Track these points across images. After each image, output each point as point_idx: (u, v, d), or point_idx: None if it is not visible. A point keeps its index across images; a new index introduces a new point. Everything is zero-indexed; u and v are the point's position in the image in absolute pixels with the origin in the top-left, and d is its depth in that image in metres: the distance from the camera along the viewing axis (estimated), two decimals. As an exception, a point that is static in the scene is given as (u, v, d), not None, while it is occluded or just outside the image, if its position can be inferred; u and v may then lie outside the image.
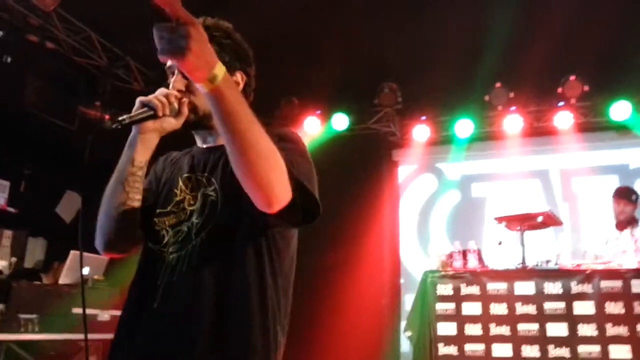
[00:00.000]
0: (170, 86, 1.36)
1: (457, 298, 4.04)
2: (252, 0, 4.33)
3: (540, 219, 4.15)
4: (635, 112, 5.45)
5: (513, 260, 4.16)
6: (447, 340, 3.97)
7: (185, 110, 1.33)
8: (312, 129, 6.21)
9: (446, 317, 4.03)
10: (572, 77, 5.47)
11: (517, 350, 3.81)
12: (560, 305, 3.82)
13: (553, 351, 3.74)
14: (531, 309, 3.87)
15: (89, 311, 3.68)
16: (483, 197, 6.11)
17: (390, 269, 6.09)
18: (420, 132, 6.16)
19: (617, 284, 3.76)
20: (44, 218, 4.89)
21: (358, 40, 5.05)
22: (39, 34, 4.76)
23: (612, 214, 4.56)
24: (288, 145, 1.27)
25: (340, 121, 6.19)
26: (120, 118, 1.22)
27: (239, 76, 1.43)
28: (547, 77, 5.44)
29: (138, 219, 1.37)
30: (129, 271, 1.40)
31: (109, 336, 1.34)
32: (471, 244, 4.35)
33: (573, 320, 3.76)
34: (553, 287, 3.87)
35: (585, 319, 3.74)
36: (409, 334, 4.26)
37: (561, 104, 5.65)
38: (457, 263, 4.27)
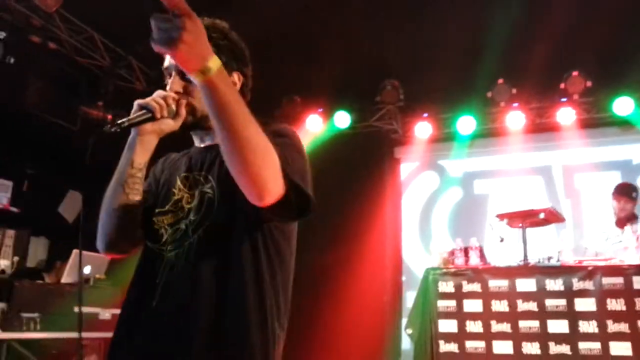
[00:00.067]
0: (168, 88, 1.37)
1: (459, 295, 4.03)
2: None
3: (542, 215, 4.14)
4: (638, 108, 5.41)
5: (515, 257, 4.15)
6: (448, 337, 3.97)
7: (183, 112, 1.35)
8: (314, 127, 6.22)
9: (447, 315, 4.02)
10: (575, 73, 5.45)
11: (517, 348, 3.80)
12: (562, 302, 3.80)
13: (554, 348, 3.73)
14: (532, 306, 3.85)
15: (91, 310, 3.71)
16: (485, 194, 6.09)
17: (392, 266, 6.09)
18: (423, 129, 6.15)
19: (619, 280, 3.74)
20: (46, 218, 4.93)
21: (359, 39, 5.05)
22: (41, 35, 4.79)
23: (612, 211, 4.53)
24: (283, 140, 1.27)
25: (342, 119, 6.19)
26: (119, 121, 1.24)
27: (235, 77, 1.43)
28: (549, 73, 5.41)
29: (138, 220, 1.38)
30: (130, 270, 1.41)
31: (111, 335, 1.36)
32: (473, 241, 4.34)
33: (574, 317, 3.74)
34: (554, 284, 3.85)
35: (587, 315, 3.72)
36: (410, 331, 4.26)
37: (564, 100, 5.62)
38: (459, 260, 4.26)
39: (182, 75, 1.34)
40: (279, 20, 4.60)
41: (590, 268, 3.83)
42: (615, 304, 3.68)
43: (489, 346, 3.86)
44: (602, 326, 3.66)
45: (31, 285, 3.56)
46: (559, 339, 3.73)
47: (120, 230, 1.37)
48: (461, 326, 3.96)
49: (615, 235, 4.41)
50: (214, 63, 1.06)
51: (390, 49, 5.16)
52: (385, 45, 5.13)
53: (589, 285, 3.78)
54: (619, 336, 3.61)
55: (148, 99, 1.29)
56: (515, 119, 5.80)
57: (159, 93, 1.32)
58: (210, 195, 1.34)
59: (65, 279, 3.85)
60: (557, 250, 4.14)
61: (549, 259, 4.07)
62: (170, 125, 1.35)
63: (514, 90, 5.68)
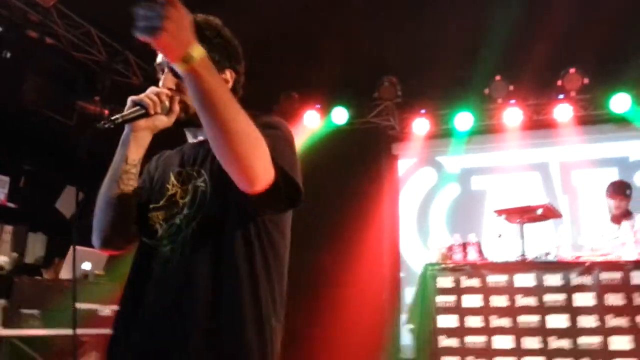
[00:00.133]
0: (161, 84, 1.38)
1: (458, 291, 4.05)
2: (252, -2, 4.34)
3: (540, 211, 4.16)
4: (634, 105, 5.45)
5: (513, 253, 4.17)
6: (448, 332, 3.98)
7: (177, 108, 1.35)
8: (311, 123, 6.21)
9: (446, 310, 4.03)
10: (572, 70, 5.47)
11: (518, 342, 3.82)
12: (561, 297, 3.83)
13: (554, 343, 3.75)
14: (531, 301, 3.88)
15: (90, 306, 3.70)
16: (483, 190, 6.12)
17: (390, 262, 6.10)
18: (420, 125, 6.16)
19: (617, 275, 3.77)
20: (43, 214, 4.90)
21: (357, 36, 5.05)
22: (38, 30, 4.75)
23: (607, 209, 4.57)
24: (273, 132, 1.28)
25: (340, 115, 6.19)
26: (112, 117, 1.24)
27: (228, 74, 1.44)
28: (546, 70, 5.43)
29: (133, 215, 1.39)
30: (129, 266, 1.41)
31: (110, 331, 1.36)
32: (471, 237, 4.36)
33: (573, 312, 3.77)
34: (553, 279, 3.88)
35: (586, 310, 3.75)
36: (410, 326, 4.28)
37: (561, 96, 5.65)
38: (457, 256, 4.28)
39: (174, 72, 1.34)
40: (278, 18, 4.59)
41: (588, 264, 3.86)
42: (614, 299, 3.71)
43: (489, 341, 3.88)
44: (602, 321, 3.69)
45: (31, 282, 3.53)
46: (559, 333, 3.76)
47: (115, 227, 1.38)
48: (461, 321, 3.98)
49: (611, 232, 4.44)
50: (197, 52, 1.07)
51: (389, 45, 5.16)
52: (383, 42, 5.14)
53: (587, 280, 3.81)
54: (619, 330, 3.64)
55: (141, 96, 1.30)
56: (512, 115, 5.82)
57: (152, 89, 1.33)
58: (203, 188, 1.35)
59: (64, 274, 3.83)
60: (554, 246, 4.17)
61: (547, 254, 4.10)
62: (163, 121, 1.35)
63: (511, 87, 5.70)
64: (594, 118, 5.79)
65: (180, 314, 1.25)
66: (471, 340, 3.93)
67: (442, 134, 6.26)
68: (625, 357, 3.58)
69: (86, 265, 3.86)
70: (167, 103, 1.32)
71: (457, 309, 4.01)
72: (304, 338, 5.09)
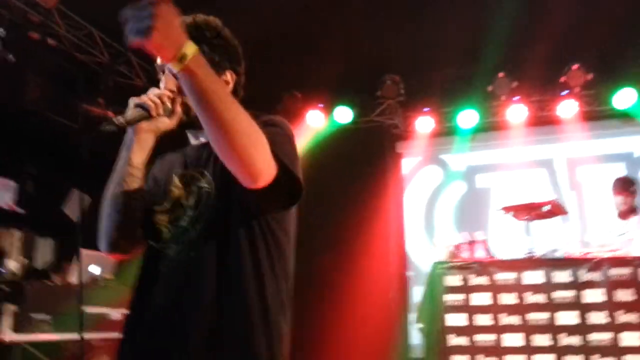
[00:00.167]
0: (162, 86, 1.37)
1: (466, 289, 4.04)
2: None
3: (546, 208, 4.16)
4: (639, 100, 5.44)
5: (520, 250, 4.17)
6: (457, 331, 3.98)
7: (179, 109, 1.34)
8: (315, 123, 6.20)
9: (455, 308, 4.03)
10: (575, 66, 5.46)
11: (528, 340, 3.82)
12: (570, 294, 3.83)
13: (564, 340, 3.75)
14: (540, 298, 3.87)
15: (100, 310, 3.69)
16: (488, 187, 6.11)
17: (397, 261, 6.09)
18: (424, 123, 6.15)
19: (626, 271, 3.78)
20: (51, 218, 4.87)
21: (359, 35, 5.04)
22: (40, 31, 4.72)
23: (614, 205, 4.57)
24: (272, 129, 1.28)
25: (343, 114, 6.18)
26: (115, 120, 1.23)
27: (228, 75, 1.44)
28: (550, 66, 5.43)
29: (138, 219, 1.38)
30: (138, 269, 1.41)
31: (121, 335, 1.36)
32: (478, 235, 4.36)
33: (583, 309, 3.77)
34: (562, 276, 3.88)
35: (595, 307, 3.75)
36: (420, 325, 4.28)
37: (565, 92, 5.64)
38: (465, 254, 4.28)
39: (175, 74, 1.34)
40: (279, 18, 4.58)
41: (596, 260, 3.86)
42: (624, 295, 3.71)
43: (499, 339, 3.88)
44: (612, 317, 3.69)
45: (40, 287, 3.52)
46: (569, 330, 3.75)
47: (120, 230, 1.37)
48: (470, 320, 3.97)
49: (618, 228, 4.44)
50: (190, 49, 1.05)
51: (391, 43, 5.15)
52: (385, 40, 5.13)
53: (596, 276, 3.81)
54: (629, 326, 3.65)
55: (143, 97, 1.29)
56: (516, 112, 5.81)
57: (153, 91, 1.32)
58: (208, 189, 1.35)
59: (73, 279, 3.82)
60: (562, 242, 4.17)
61: (555, 251, 4.10)
62: (166, 123, 1.35)
63: (515, 84, 5.69)
64: (598, 114, 5.79)
65: (181, 314, 1.25)
66: (481, 338, 3.93)
67: (446, 131, 6.25)
68: (636, 354, 3.58)
69: (95, 269, 3.85)
70: (169, 104, 1.32)
71: (466, 307, 4.01)
72: (312, 339, 5.08)
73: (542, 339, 3.80)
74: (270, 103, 5.81)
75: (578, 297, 3.80)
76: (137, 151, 1.34)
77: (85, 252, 3.54)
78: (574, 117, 5.71)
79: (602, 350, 3.66)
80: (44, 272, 4.12)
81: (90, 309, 3.53)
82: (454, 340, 3.99)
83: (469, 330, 3.96)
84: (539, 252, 4.09)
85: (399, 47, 5.14)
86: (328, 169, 5.77)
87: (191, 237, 1.31)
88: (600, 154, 5.79)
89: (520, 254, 4.14)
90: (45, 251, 4.64)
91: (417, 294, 5.27)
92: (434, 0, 4.65)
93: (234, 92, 1.42)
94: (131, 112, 1.27)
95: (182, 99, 1.33)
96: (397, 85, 5.97)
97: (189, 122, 1.38)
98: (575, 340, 3.74)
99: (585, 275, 3.83)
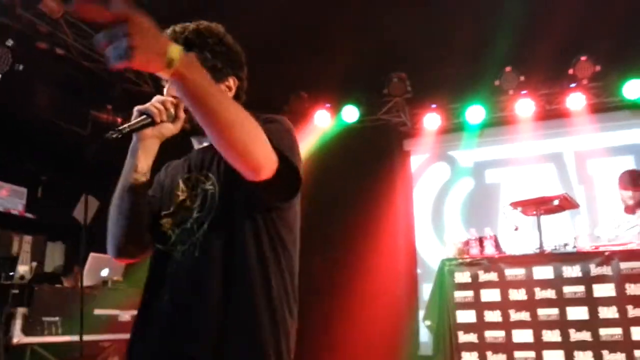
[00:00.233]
0: (165, 93, 1.40)
1: (476, 285, 4.02)
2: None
3: (556, 202, 4.11)
4: (648, 91, 5.36)
5: (530, 245, 4.13)
6: (467, 327, 3.96)
7: (182, 115, 1.36)
8: (322, 123, 6.21)
9: (465, 305, 4.01)
10: (583, 58, 5.39)
11: (538, 336, 3.79)
12: (580, 288, 3.78)
13: (574, 335, 3.71)
14: (550, 294, 3.83)
15: (110, 312, 3.74)
16: (497, 183, 6.05)
17: (406, 259, 6.07)
18: (431, 120, 6.13)
19: (637, 265, 3.71)
20: (61, 223, 4.95)
21: (365, 33, 5.03)
22: (48, 41, 4.80)
23: (620, 200, 4.50)
24: (271, 125, 1.30)
25: (351, 113, 6.18)
26: (120, 127, 1.25)
27: (231, 81, 1.46)
28: (557, 59, 5.36)
29: (145, 224, 1.41)
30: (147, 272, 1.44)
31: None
32: (487, 231, 4.33)
33: (593, 303, 3.72)
34: (572, 271, 3.83)
35: (606, 301, 3.69)
36: (428, 322, 4.26)
37: (573, 85, 5.57)
38: (474, 250, 4.25)
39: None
40: (286, 17, 4.60)
41: (607, 253, 3.80)
42: (635, 289, 3.65)
43: (508, 335, 3.85)
44: (623, 311, 3.64)
45: (51, 290, 3.59)
46: (579, 325, 3.71)
47: (128, 235, 1.39)
48: (480, 316, 3.95)
49: (626, 222, 4.37)
50: (174, 52, 1.02)
51: (396, 41, 5.14)
52: (390, 38, 5.12)
53: (607, 270, 3.75)
54: (641, 321, 3.59)
55: (147, 105, 1.31)
56: (524, 106, 5.75)
57: (157, 98, 1.34)
58: (212, 191, 1.37)
59: (84, 282, 3.87)
60: (572, 236, 4.12)
61: (565, 245, 4.05)
62: (170, 129, 1.37)
63: (522, 78, 5.64)
64: (607, 106, 5.70)
65: (189, 314, 1.27)
66: (491, 334, 3.91)
67: (453, 128, 6.22)
68: (647, 348, 3.53)
69: (105, 272, 3.90)
70: (172, 110, 1.34)
71: (476, 304, 3.99)
72: (322, 337, 5.10)
73: (552, 335, 3.77)
74: (277, 104, 5.85)
75: (588, 291, 3.75)
76: (142, 157, 1.37)
77: (93, 256, 3.60)
78: (582, 110, 5.63)
79: (613, 345, 3.61)
80: (55, 275, 4.19)
81: (99, 311, 3.59)
82: (463, 337, 3.97)
83: (479, 326, 3.94)
84: (549, 247, 4.05)
85: (405, 44, 5.12)
86: (336, 169, 5.78)
87: (197, 238, 1.33)
88: (610, 147, 5.69)
89: (530, 249, 4.10)
90: (55, 255, 4.72)
91: (426, 291, 5.25)
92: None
93: (236, 97, 1.44)
94: (135, 119, 1.30)
95: (186, 105, 1.35)
96: (404, 83, 5.96)
97: (193, 130, 1.40)
98: (585, 335, 3.69)
99: (595, 270, 3.78)
